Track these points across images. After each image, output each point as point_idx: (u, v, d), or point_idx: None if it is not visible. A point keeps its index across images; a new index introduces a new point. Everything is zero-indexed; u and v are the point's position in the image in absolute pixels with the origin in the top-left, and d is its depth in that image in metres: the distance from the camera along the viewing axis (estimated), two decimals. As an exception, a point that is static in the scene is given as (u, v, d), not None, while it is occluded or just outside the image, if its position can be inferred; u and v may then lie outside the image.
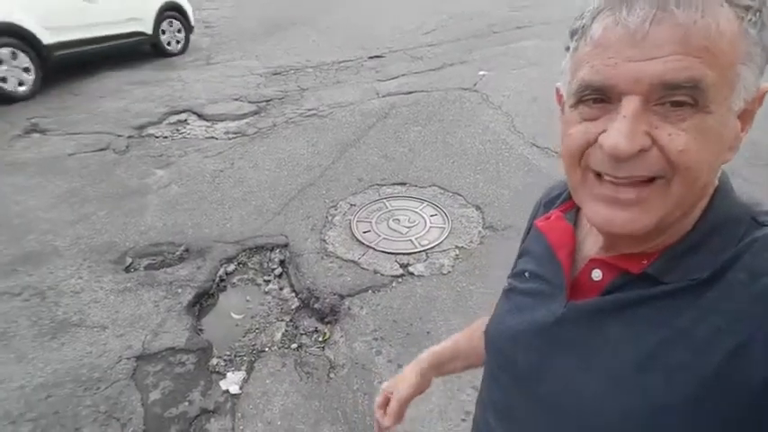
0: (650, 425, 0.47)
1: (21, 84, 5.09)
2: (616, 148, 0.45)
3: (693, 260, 0.49)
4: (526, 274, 0.67)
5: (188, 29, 7.09)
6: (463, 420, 1.96)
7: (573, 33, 0.51)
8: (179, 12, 6.87)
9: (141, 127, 4.64)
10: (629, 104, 0.45)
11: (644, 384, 0.48)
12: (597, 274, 0.55)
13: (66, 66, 5.69)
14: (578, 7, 0.53)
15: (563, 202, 0.66)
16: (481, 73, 5.22)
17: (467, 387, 2.08)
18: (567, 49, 0.52)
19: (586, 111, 0.49)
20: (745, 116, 0.48)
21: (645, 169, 0.46)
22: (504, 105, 4.44)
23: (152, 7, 6.38)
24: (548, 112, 4.26)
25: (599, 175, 0.49)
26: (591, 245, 0.59)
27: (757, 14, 0.43)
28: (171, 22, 6.76)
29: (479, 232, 2.99)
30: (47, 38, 5.19)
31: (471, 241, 2.93)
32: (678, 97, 0.44)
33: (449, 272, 2.71)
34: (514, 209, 3.13)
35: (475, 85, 4.97)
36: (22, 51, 5.00)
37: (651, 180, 0.46)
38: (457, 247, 2.89)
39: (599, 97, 0.47)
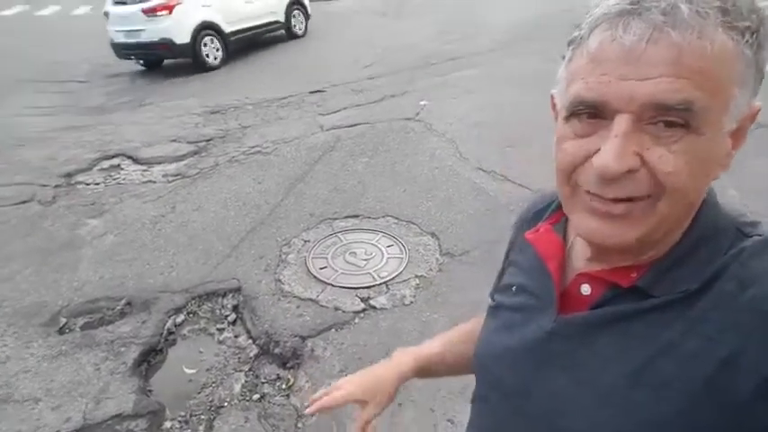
0: None
1: (215, 59, 8.01)
2: (605, 167, 0.45)
3: (681, 272, 0.49)
4: (513, 288, 0.66)
5: (307, 16, 9.92)
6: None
7: (570, 43, 0.51)
8: (301, 5, 9.76)
9: (69, 175, 4.33)
10: (621, 124, 0.45)
11: (634, 400, 0.48)
12: (586, 289, 0.55)
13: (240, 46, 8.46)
14: (567, 24, 0.52)
15: (551, 213, 0.66)
16: (422, 103, 5.35)
17: (443, 421, 2.01)
18: (563, 57, 0.52)
19: (579, 126, 0.49)
20: (738, 134, 0.48)
21: (633, 190, 0.46)
22: (448, 133, 4.54)
23: (284, 3, 9.33)
24: (490, 137, 4.40)
25: (588, 191, 0.49)
26: (579, 256, 0.59)
27: (754, 36, 0.43)
28: (295, 13, 9.65)
29: (437, 259, 2.98)
30: (227, 28, 8.16)
31: (430, 269, 2.91)
32: (670, 118, 0.44)
33: (411, 302, 2.67)
34: (469, 233, 3.16)
35: (417, 114, 5.07)
36: (216, 37, 7.99)
37: (639, 197, 0.47)
38: (417, 276, 2.86)
39: (592, 112, 0.47)
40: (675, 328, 0.47)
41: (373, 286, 2.78)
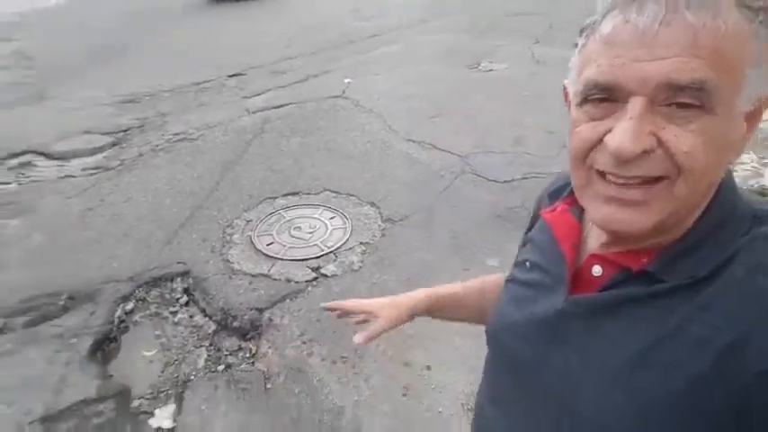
0: (643, 420, 0.48)
1: None
2: (620, 148, 0.45)
3: (693, 259, 0.50)
4: (527, 263, 0.67)
5: None
6: (404, 396, 2.09)
7: (582, 30, 0.51)
8: None
9: (-27, 176, 3.98)
10: (635, 105, 0.45)
11: (638, 381, 0.49)
12: (597, 270, 0.56)
13: None
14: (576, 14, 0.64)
15: (569, 194, 0.65)
16: (347, 80, 5.46)
17: (399, 365, 2.22)
18: (576, 46, 0.53)
19: (592, 110, 0.49)
20: (752, 117, 0.48)
21: (649, 170, 0.46)
22: (376, 108, 4.71)
23: None
24: (416, 110, 4.63)
25: (603, 175, 0.50)
26: (594, 239, 0.59)
27: (767, 16, 0.44)
28: None
29: (379, 226, 3.17)
30: None
31: (374, 236, 3.09)
32: (684, 99, 0.44)
33: (359, 267, 2.84)
34: (407, 200, 3.37)
35: (344, 92, 5.18)
36: None
37: (656, 180, 0.47)
38: (362, 243, 3.03)
39: (605, 97, 0.48)
40: (682, 313, 0.48)
41: (321, 256, 2.92)
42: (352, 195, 3.48)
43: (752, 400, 0.43)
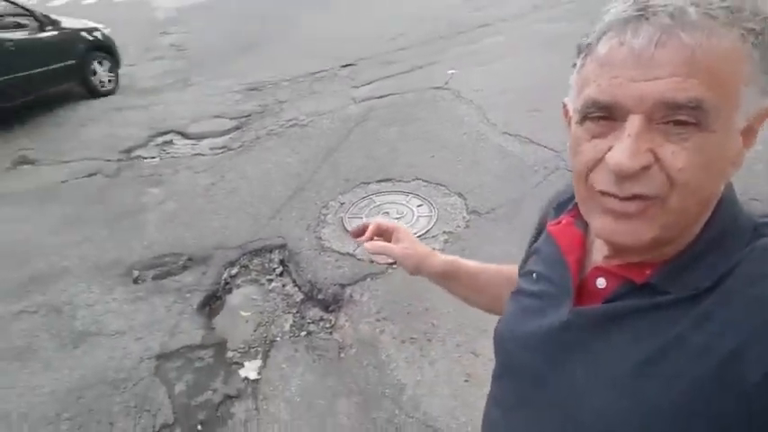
0: (647, 428, 0.49)
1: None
2: (620, 165, 0.47)
3: (695, 271, 0.51)
4: (534, 275, 0.68)
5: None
6: (465, 382, 2.15)
7: (580, 50, 0.53)
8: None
9: (129, 150, 4.76)
10: (633, 123, 0.47)
11: (642, 389, 0.50)
12: (601, 282, 0.57)
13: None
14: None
15: (573, 207, 0.66)
16: (450, 72, 5.48)
17: (467, 353, 2.28)
18: (574, 65, 0.54)
19: (593, 127, 0.51)
20: (749, 133, 0.49)
21: (646, 187, 0.48)
22: (476, 100, 4.69)
23: None
24: (516, 102, 4.53)
25: (603, 193, 0.51)
26: (598, 252, 0.61)
27: (759, 36, 0.45)
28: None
29: (464, 217, 3.21)
30: None
31: (458, 226, 3.14)
32: (681, 117, 0.45)
33: (439, 255, 2.91)
34: (495, 193, 3.36)
35: (446, 83, 5.22)
36: None
37: (651, 198, 0.49)
38: (445, 232, 3.10)
39: (604, 115, 0.49)
40: (684, 322, 0.49)
41: (405, 241, 3.04)
42: (442, 185, 3.54)
43: (753, 407, 0.44)
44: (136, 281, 2.92)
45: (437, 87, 5.16)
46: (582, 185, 0.53)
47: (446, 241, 3.02)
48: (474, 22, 7.28)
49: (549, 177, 3.42)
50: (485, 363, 2.22)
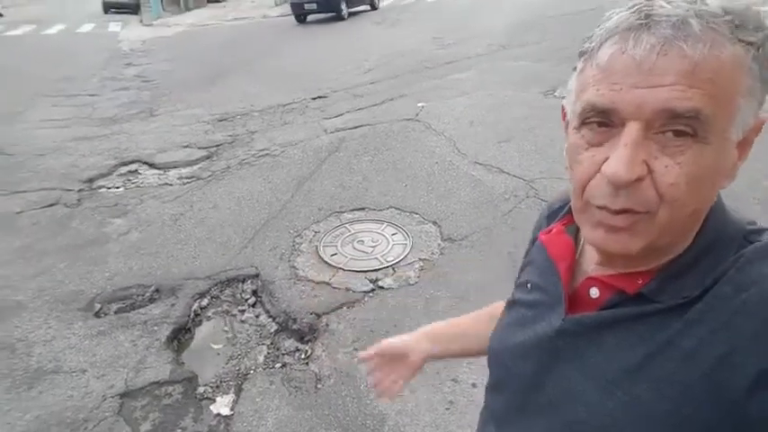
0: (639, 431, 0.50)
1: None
2: (615, 175, 0.47)
3: (685, 281, 0.52)
4: (529, 285, 0.69)
5: None
6: (447, 410, 2.11)
7: (581, 55, 0.53)
8: None
9: (91, 180, 4.60)
10: (630, 133, 0.47)
11: (633, 393, 0.51)
12: (595, 292, 0.58)
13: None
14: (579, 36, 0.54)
15: (565, 215, 0.67)
16: (420, 104, 5.62)
17: (447, 380, 2.24)
18: (575, 69, 0.54)
19: (589, 135, 0.51)
20: (743, 145, 0.50)
21: (636, 202, 0.48)
22: (446, 131, 4.81)
23: None
24: (485, 134, 4.66)
25: (597, 206, 0.52)
26: (589, 259, 0.62)
27: (760, 50, 0.45)
28: None
29: (439, 244, 3.23)
30: None
31: (433, 253, 3.15)
32: (679, 126, 0.45)
33: (416, 282, 2.91)
34: (468, 220, 3.40)
35: (417, 115, 5.34)
36: None
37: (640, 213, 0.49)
38: (420, 259, 3.10)
39: (602, 120, 0.49)
40: (674, 329, 0.50)
41: (381, 269, 3.03)
42: (416, 213, 3.57)
43: (746, 413, 0.45)
44: (98, 314, 2.77)
45: (408, 119, 5.27)
46: (578, 197, 0.54)
47: (421, 268, 3.02)
48: (442, 59, 7.55)
49: (519, 205, 3.49)
50: (465, 390, 2.19)
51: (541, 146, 4.27)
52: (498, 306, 0.91)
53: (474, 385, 2.19)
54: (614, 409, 0.52)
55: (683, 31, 0.44)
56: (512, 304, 0.73)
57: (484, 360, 2.23)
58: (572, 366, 0.57)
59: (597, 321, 0.56)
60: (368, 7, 15.41)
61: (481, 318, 0.93)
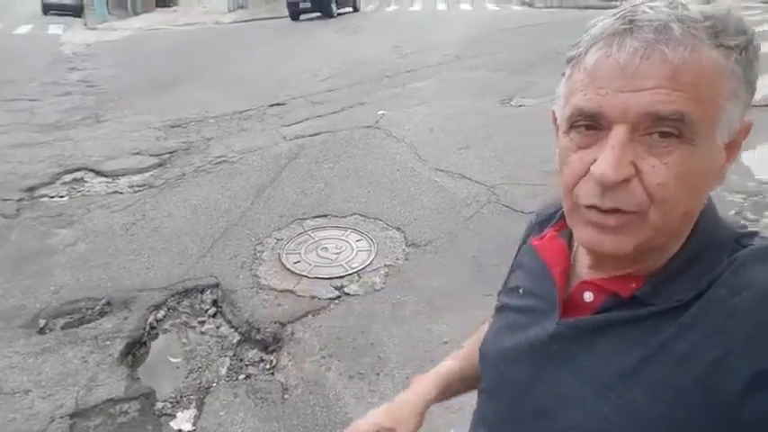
0: None
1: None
2: (603, 176, 0.48)
3: (678, 284, 0.52)
4: (521, 290, 0.69)
5: None
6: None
7: (569, 60, 0.54)
8: None
9: (32, 188, 4.30)
10: (617, 135, 0.48)
11: (627, 397, 0.51)
12: (588, 296, 0.58)
13: None
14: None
15: (558, 220, 0.67)
16: (380, 112, 5.65)
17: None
18: (563, 75, 0.55)
19: (578, 138, 0.52)
20: (731, 147, 0.51)
21: (625, 202, 0.49)
22: (407, 138, 4.85)
23: None
24: (445, 141, 4.74)
25: (587, 206, 0.53)
26: (582, 263, 0.62)
27: (742, 53, 0.47)
28: None
29: (404, 250, 3.23)
30: None
31: (397, 258, 3.15)
32: (664, 128, 0.46)
33: (381, 288, 2.89)
34: (431, 226, 3.43)
35: (377, 122, 5.36)
36: None
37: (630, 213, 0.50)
38: (385, 265, 3.09)
39: (590, 124, 0.50)
40: (668, 332, 0.50)
41: (345, 276, 2.99)
42: (380, 220, 3.56)
43: (740, 417, 0.45)
44: (42, 331, 2.57)
45: (368, 126, 5.27)
46: (568, 198, 0.54)
47: (387, 274, 3.01)
48: (401, 68, 7.64)
49: (481, 210, 3.56)
50: (435, 394, 2.18)
51: (500, 152, 4.38)
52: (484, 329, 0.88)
53: (444, 388, 2.19)
54: (609, 413, 0.52)
55: (665, 35, 0.45)
56: (501, 309, 0.73)
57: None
58: (566, 371, 0.57)
59: (591, 325, 0.56)
60: (351, 9, 16.62)
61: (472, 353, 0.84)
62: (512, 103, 5.61)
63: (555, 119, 0.59)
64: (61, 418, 2.02)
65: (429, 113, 5.52)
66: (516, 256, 0.78)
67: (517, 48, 7.92)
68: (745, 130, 0.51)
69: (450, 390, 0.87)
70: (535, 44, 7.64)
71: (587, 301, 0.58)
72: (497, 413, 0.67)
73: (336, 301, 2.80)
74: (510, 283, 0.74)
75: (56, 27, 16.68)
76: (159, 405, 2.16)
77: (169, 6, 21.66)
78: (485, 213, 3.51)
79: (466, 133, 4.86)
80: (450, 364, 0.90)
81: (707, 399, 0.46)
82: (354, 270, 3.03)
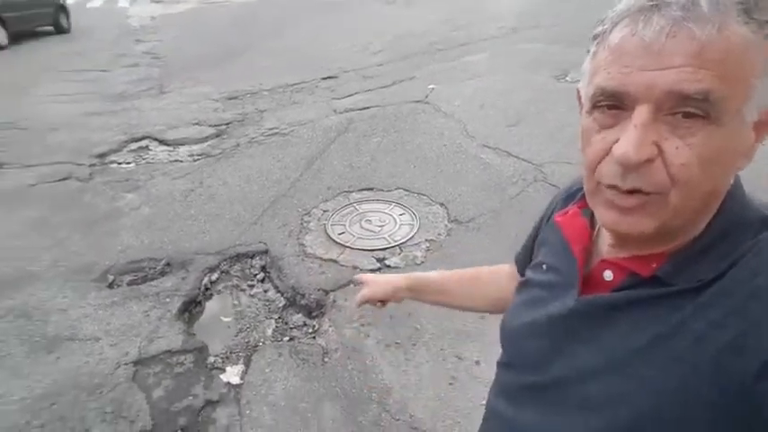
0: (646, 409, 0.51)
1: None
2: (625, 156, 0.47)
3: (700, 264, 0.51)
4: (544, 266, 0.70)
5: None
6: (450, 384, 2.16)
7: (594, 38, 0.53)
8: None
9: (102, 155, 4.64)
10: (641, 114, 0.47)
11: (643, 372, 0.51)
12: (608, 275, 0.58)
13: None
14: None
15: (581, 197, 0.67)
16: (431, 86, 5.60)
17: (451, 357, 2.30)
18: (588, 52, 0.54)
19: (601, 117, 0.51)
20: (762, 126, 0.49)
21: (646, 183, 0.48)
22: (456, 114, 4.80)
23: None
24: (495, 117, 4.65)
25: (608, 185, 0.53)
26: (604, 241, 0.62)
27: None
28: None
29: (446, 225, 3.26)
30: None
31: (439, 234, 3.18)
32: (689, 108, 0.45)
33: (422, 262, 2.95)
34: (475, 203, 3.43)
35: (426, 97, 5.33)
36: None
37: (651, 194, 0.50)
38: (427, 240, 3.14)
39: (613, 104, 0.50)
40: (686, 311, 0.50)
41: (388, 248, 3.07)
42: (423, 195, 3.59)
43: (754, 398, 0.45)
44: (111, 285, 2.83)
45: (417, 101, 5.25)
46: (590, 177, 0.54)
47: (428, 249, 3.05)
48: (454, 41, 7.48)
49: (527, 189, 3.51)
50: (468, 366, 2.24)
51: (551, 130, 4.26)
52: (484, 272, 1.01)
53: (477, 362, 2.24)
54: (625, 388, 0.52)
55: (693, 12, 0.44)
56: (525, 284, 0.74)
57: (487, 338, 2.33)
58: (583, 346, 0.58)
59: (610, 303, 0.57)
60: None
61: (464, 278, 1.01)
62: (567, 78, 5.39)
63: (579, 97, 0.59)
64: (126, 364, 2.25)
65: (480, 88, 5.41)
66: (538, 231, 0.79)
67: (576, 19, 7.51)
68: None
69: (422, 296, 1.03)
70: (595, 14, 7.22)
71: (607, 279, 0.58)
72: (516, 385, 0.69)
73: (378, 273, 2.88)
74: (536, 259, 0.75)
75: (124, 0, 17.43)
76: (211, 359, 2.34)
77: (228, -22, 21.96)
78: (530, 192, 3.46)
79: (517, 109, 4.74)
80: (433, 277, 1.04)
81: (720, 377, 0.46)
82: (396, 243, 3.10)
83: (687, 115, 0.46)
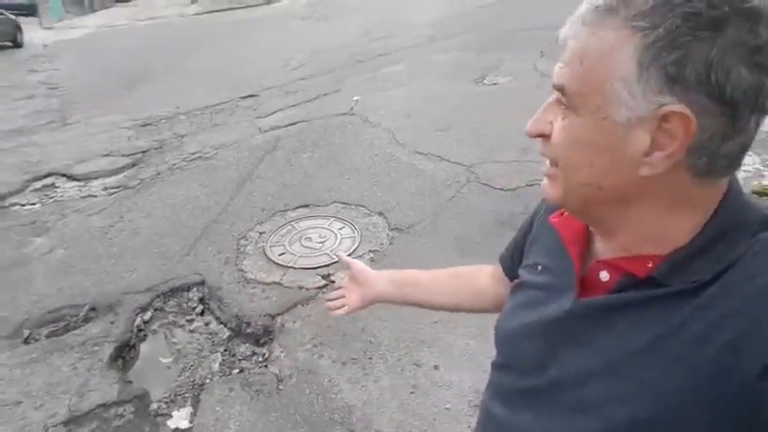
0: (645, 410, 0.51)
1: None
2: (526, 128, 0.58)
3: (697, 265, 0.51)
4: (539, 267, 0.70)
5: None
6: (411, 393, 2.14)
7: None
8: None
9: (1, 197, 4.18)
10: (549, 98, 0.57)
11: (643, 374, 0.51)
12: (604, 276, 0.58)
13: None
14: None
15: None
16: (355, 98, 5.61)
17: (408, 365, 2.28)
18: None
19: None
20: (662, 136, 0.47)
21: (548, 153, 0.57)
22: (383, 123, 4.83)
23: None
24: (422, 124, 4.74)
25: None
26: (599, 241, 0.62)
27: (654, 35, 0.45)
28: None
29: (387, 234, 3.25)
30: None
31: (382, 243, 3.17)
32: (562, 98, 0.54)
33: (368, 273, 2.91)
34: (413, 209, 3.45)
35: (351, 109, 5.33)
36: None
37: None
38: (371, 251, 3.11)
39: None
40: (684, 312, 0.50)
41: (331, 264, 3.00)
42: (361, 206, 3.57)
43: (753, 399, 0.45)
44: (27, 341, 2.53)
45: (343, 114, 5.24)
46: None
47: (372, 260, 3.03)
48: (374, 53, 7.57)
49: (461, 191, 3.59)
50: (427, 372, 2.23)
51: (477, 132, 4.40)
52: (463, 270, 1.01)
53: (436, 367, 2.24)
54: (623, 389, 0.53)
55: (588, 15, 0.50)
56: (520, 285, 0.74)
57: (443, 341, 2.33)
58: (581, 348, 0.58)
59: (607, 304, 0.57)
60: None
61: (438, 277, 1.02)
62: (485, 81, 5.62)
63: None
64: (55, 426, 2.01)
65: (404, 97, 5.50)
66: (529, 228, 0.78)
67: (487, 26, 7.91)
68: (684, 123, 0.45)
69: (403, 285, 1.03)
70: (510, 23, 7.65)
71: (603, 280, 0.58)
72: (512, 387, 0.68)
73: (324, 290, 2.81)
74: (529, 259, 0.74)
75: (10, 28, 15.98)
76: (154, 405, 2.15)
77: (128, 1, 20.94)
78: (465, 193, 3.55)
79: (442, 115, 4.86)
80: (408, 270, 1.07)
81: (720, 378, 0.47)
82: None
83: (562, 103, 0.54)
